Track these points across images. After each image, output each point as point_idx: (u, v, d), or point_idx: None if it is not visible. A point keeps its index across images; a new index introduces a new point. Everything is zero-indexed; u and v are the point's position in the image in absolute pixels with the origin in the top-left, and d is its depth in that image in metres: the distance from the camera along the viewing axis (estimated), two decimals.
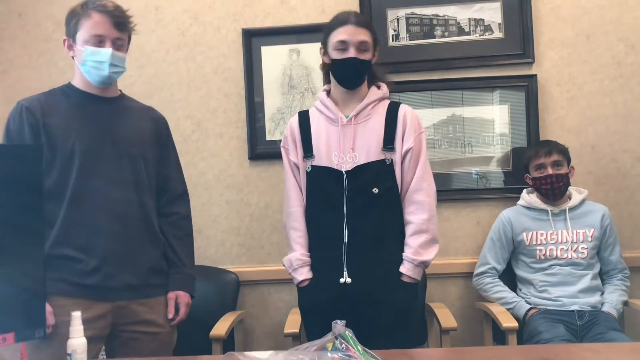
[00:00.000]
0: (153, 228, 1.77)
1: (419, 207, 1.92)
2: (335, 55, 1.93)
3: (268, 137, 2.75)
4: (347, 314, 1.90)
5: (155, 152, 1.82)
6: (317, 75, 2.72)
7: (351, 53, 1.90)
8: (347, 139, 1.93)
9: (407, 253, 1.91)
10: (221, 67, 2.77)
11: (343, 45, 1.91)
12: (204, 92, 2.78)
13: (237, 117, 2.77)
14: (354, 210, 1.90)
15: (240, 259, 2.76)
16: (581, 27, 2.66)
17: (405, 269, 1.90)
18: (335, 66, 1.95)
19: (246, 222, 2.76)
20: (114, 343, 1.70)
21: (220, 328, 2.30)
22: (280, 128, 2.73)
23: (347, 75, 1.94)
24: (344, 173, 1.90)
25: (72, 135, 1.65)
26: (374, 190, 1.90)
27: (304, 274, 1.95)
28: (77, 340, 1.19)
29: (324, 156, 1.94)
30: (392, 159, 1.93)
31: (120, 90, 1.84)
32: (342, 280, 1.89)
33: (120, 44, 1.70)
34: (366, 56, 1.92)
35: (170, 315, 1.79)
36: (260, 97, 2.75)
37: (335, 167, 1.92)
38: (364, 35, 1.91)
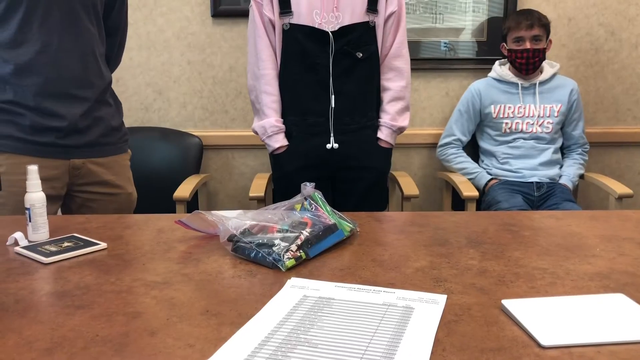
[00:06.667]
0: (109, 83, 1.65)
1: (398, 74, 1.92)
2: None
3: None
4: (325, 180, 1.92)
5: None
6: None
7: None
8: None
9: (385, 119, 1.93)
10: None
11: None
12: None
13: None
14: (338, 74, 1.84)
15: (204, 122, 2.68)
16: None
17: (383, 134, 1.94)
18: None
19: (209, 85, 2.65)
20: (71, 204, 1.64)
21: (184, 190, 2.27)
22: None
23: None
24: (330, 33, 1.81)
25: None
26: (357, 54, 1.83)
27: (279, 141, 1.91)
28: (35, 195, 1.12)
29: (304, 14, 1.82)
30: (375, 22, 1.85)
31: None
32: (328, 146, 1.87)
33: None
34: None
35: None
36: None
37: (317, 27, 1.82)
38: None
